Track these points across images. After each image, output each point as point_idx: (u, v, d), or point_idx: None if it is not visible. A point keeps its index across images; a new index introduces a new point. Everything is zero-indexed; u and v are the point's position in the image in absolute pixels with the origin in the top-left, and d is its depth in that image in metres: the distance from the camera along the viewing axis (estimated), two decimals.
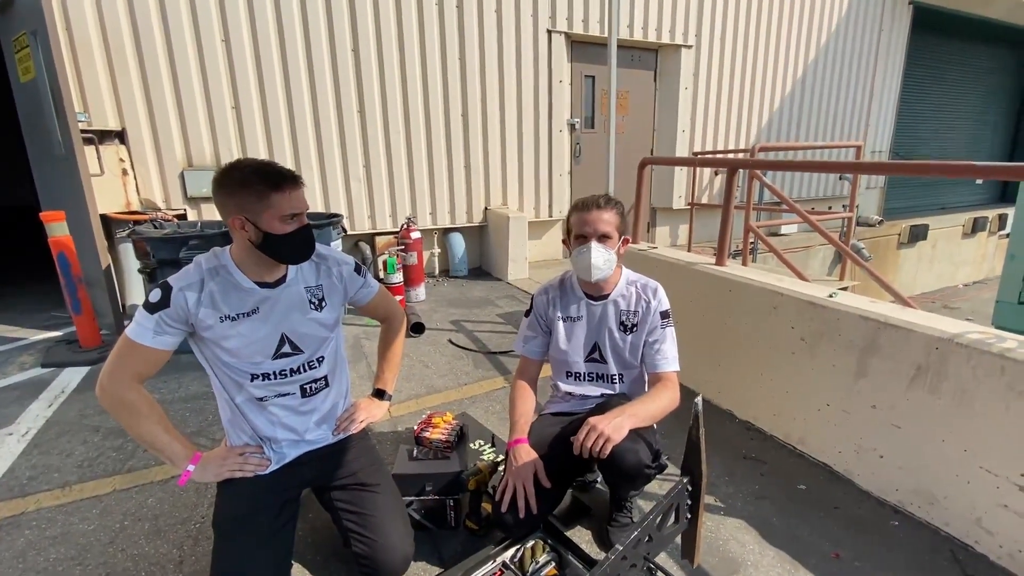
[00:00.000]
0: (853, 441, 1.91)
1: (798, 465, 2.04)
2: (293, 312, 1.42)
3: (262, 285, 1.38)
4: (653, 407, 1.50)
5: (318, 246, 1.52)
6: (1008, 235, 4.86)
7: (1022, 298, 4.46)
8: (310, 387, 1.48)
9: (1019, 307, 4.45)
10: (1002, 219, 9.17)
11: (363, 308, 1.66)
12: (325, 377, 1.52)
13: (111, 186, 3.65)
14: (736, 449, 2.14)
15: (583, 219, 1.57)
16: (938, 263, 8.73)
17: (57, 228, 2.98)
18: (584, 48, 5.49)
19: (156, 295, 1.29)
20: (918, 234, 8.11)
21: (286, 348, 1.42)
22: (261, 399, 1.42)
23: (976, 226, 9.01)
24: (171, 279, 1.32)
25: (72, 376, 2.89)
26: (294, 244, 1.34)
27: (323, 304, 1.48)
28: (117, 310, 3.43)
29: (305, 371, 1.46)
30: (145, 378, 1.34)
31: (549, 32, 5.15)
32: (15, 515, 1.81)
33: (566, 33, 5.25)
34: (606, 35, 5.31)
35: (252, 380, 1.40)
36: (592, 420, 1.38)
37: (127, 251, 3.77)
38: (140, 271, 3.15)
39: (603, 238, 1.55)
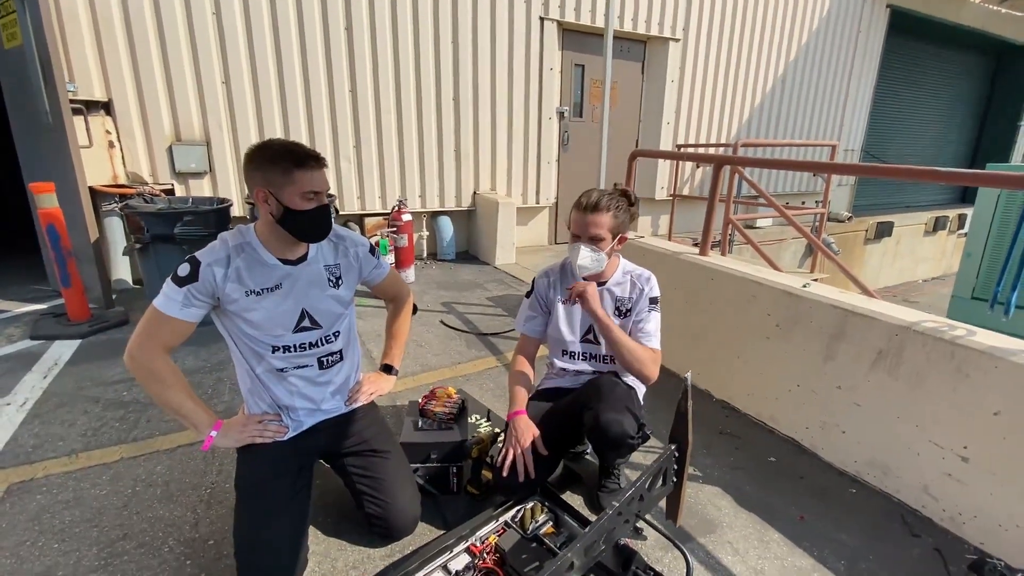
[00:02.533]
0: (819, 418, 2.10)
1: (769, 440, 2.23)
2: (313, 289, 1.50)
3: (285, 262, 1.46)
4: (631, 347, 1.66)
5: (336, 227, 1.61)
6: (966, 234, 5.18)
7: (975, 293, 4.79)
8: (327, 360, 1.57)
9: (972, 302, 4.79)
10: (961, 219, 9.66)
11: (374, 288, 1.74)
12: (340, 351, 1.60)
13: (98, 158, 3.60)
14: (713, 426, 2.32)
15: (577, 220, 1.68)
16: (900, 259, 9.17)
17: (46, 200, 2.94)
18: (575, 37, 5.55)
19: (185, 269, 1.36)
20: (884, 231, 8.50)
21: (306, 323, 1.50)
22: (281, 370, 1.51)
23: (937, 225, 9.47)
24: (198, 254, 1.39)
25: (63, 349, 2.89)
26: (312, 221, 1.40)
27: (340, 282, 1.56)
28: (106, 284, 3.41)
29: (322, 345, 1.55)
30: (171, 348, 1.41)
31: (542, 19, 5.19)
32: (24, 481, 1.85)
33: (558, 21, 5.30)
34: (597, 24, 5.41)
35: (273, 352, 1.48)
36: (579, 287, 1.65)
37: (112, 225, 3.73)
38: (126, 252, 3.13)
39: (594, 239, 1.66)
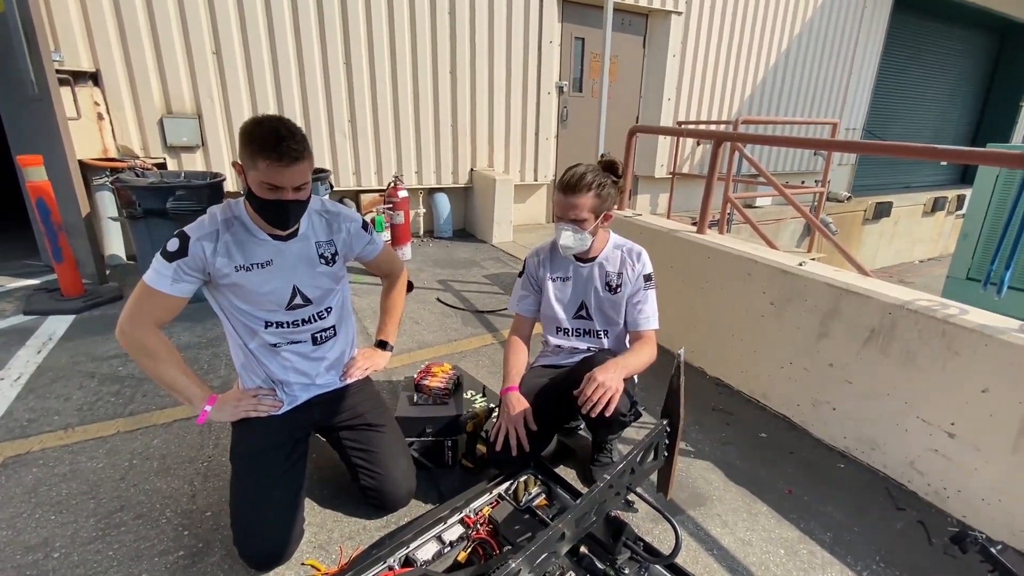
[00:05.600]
0: (810, 395, 2.12)
1: (760, 416, 2.26)
2: (304, 265, 1.49)
3: (275, 238, 1.44)
4: (638, 361, 1.65)
5: (328, 202, 1.59)
6: (964, 215, 5.17)
7: (971, 274, 4.81)
8: (320, 336, 1.57)
9: (967, 282, 4.80)
10: (960, 200, 9.62)
11: (368, 264, 1.73)
12: (334, 327, 1.60)
13: (87, 131, 3.52)
14: (706, 402, 2.34)
15: (559, 202, 1.65)
16: (898, 240, 9.15)
17: (35, 173, 2.89)
18: (575, 8, 5.41)
19: (174, 244, 1.34)
20: (882, 211, 8.46)
21: (298, 300, 1.49)
22: (274, 345, 1.50)
23: (936, 205, 9.43)
24: (187, 229, 1.37)
25: (57, 324, 2.88)
26: (267, 211, 1.35)
27: (333, 259, 1.55)
28: (99, 259, 3.38)
29: (315, 321, 1.54)
30: (163, 323, 1.41)
31: None
32: (20, 454, 1.86)
33: None
34: None
35: (266, 328, 1.48)
36: (598, 376, 1.46)
37: (104, 199, 3.68)
38: (115, 218, 3.11)
39: (575, 221, 1.63)
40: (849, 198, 8.13)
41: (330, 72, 4.32)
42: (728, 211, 4.90)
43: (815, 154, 7.69)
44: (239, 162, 1.33)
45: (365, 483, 1.57)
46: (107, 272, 3.50)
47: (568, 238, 1.65)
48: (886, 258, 9.06)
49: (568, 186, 1.61)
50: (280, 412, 1.53)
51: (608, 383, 1.46)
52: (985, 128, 10.91)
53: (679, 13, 5.92)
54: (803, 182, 7.87)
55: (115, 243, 3.82)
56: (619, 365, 1.53)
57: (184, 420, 2.06)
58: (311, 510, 1.62)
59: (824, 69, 7.52)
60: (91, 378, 2.36)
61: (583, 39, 5.58)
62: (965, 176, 10.57)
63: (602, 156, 1.71)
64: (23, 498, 1.66)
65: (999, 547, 1.36)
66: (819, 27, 7.20)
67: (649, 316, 1.76)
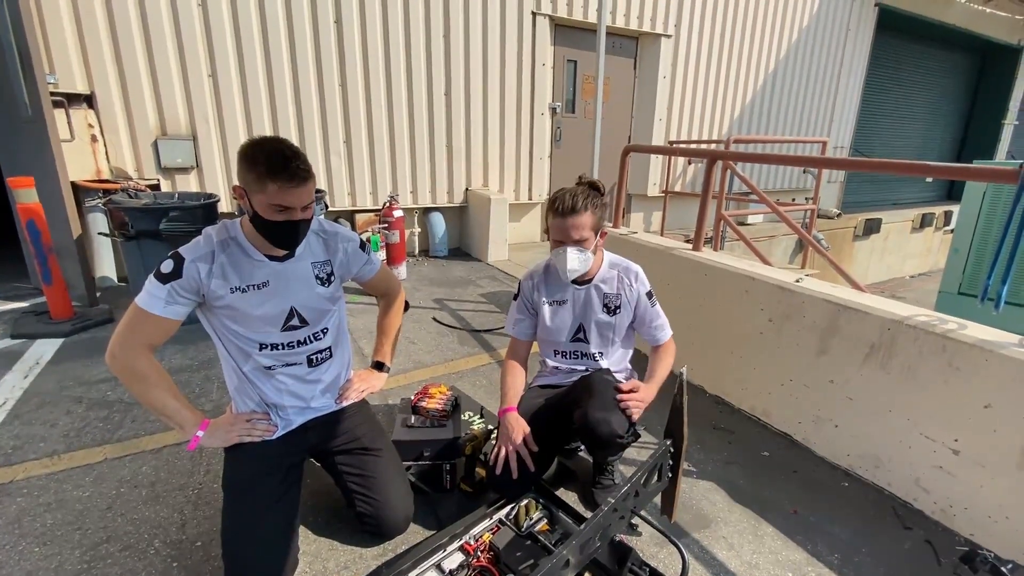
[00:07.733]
0: (812, 412, 2.10)
1: (762, 434, 2.23)
2: (301, 286, 1.47)
3: (272, 258, 1.42)
4: (665, 370, 1.74)
5: (325, 222, 1.58)
6: (952, 231, 5.24)
7: (962, 288, 4.85)
8: (316, 358, 1.54)
9: (959, 297, 4.84)
10: (947, 215, 9.78)
11: (365, 284, 1.71)
12: (329, 348, 1.57)
13: (80, 153, 3.51)
14: (707, 420, 2.32)
15: (558, 227, 1.63)
16: (889, 255, 9.26)
17: (25, 195, 2.86)
18: (567, 32, 5.52)
19: (168, 266, 1.32)
20: (872, 227, 8.57)
21: (294, 321, 1.46)
22: (269, 368, 1.47)
23: (924, 221, 9.58)
24: (182, 250, 1.35)
25: (45, 348, 2.83)
26: (276, 233, 1.34)
27: (330, 279, 1.53)
28: (89, 281, 3.34)
29: (311, 343, 1.51)
30: (155, 347, 1.37)
31: (534, 14, 5.16)
32: (3, 483, 1.80)
33: (550, 16, 5.27)
34: (589, 19, 5.39)
35: (260, 350, 1.45)
36: (641, 393, 1.60)
37: (96, 221, 3.65)
38: (105, 234, 3.07)
39: (578, 242, 1.62)
40: (839, 215, 8.24)
41: (326, 93, 4.35)
42: (721, 228, 4.95)
43: (804, 172, 7.81)
44: (240, 186, 1.32)
45: (361, 509, 1.53)
46: (97, 294, 3.45)
47: (574, 260, 1.62)
48: (877, 274, 9.15)
49: (567, 208, 1.60)
50: (274, 437, 1.49)
51: (642, 398, 1.59)
52: (969, 146, 11.14)
53: (668, 36, 6.06)
54: (793, 199, 7.97)
55: (106, 265, 3.78)
56: (654, 383, 1.67)
57: (174, 446, 2.01)
58: (305, 538, 1.57)
59: (811, 89, 7.69)
60: (79, 403, 2.31)
61: (575, 61, 5.68)
62: (951, 193, 10.77)
63: (580, 178, 1.72)
64: (6, 529, 1.60)
65: (1009, 566, 1.34)
66: (804, 49, 7.39)
67: (664, 326, 1.81)
